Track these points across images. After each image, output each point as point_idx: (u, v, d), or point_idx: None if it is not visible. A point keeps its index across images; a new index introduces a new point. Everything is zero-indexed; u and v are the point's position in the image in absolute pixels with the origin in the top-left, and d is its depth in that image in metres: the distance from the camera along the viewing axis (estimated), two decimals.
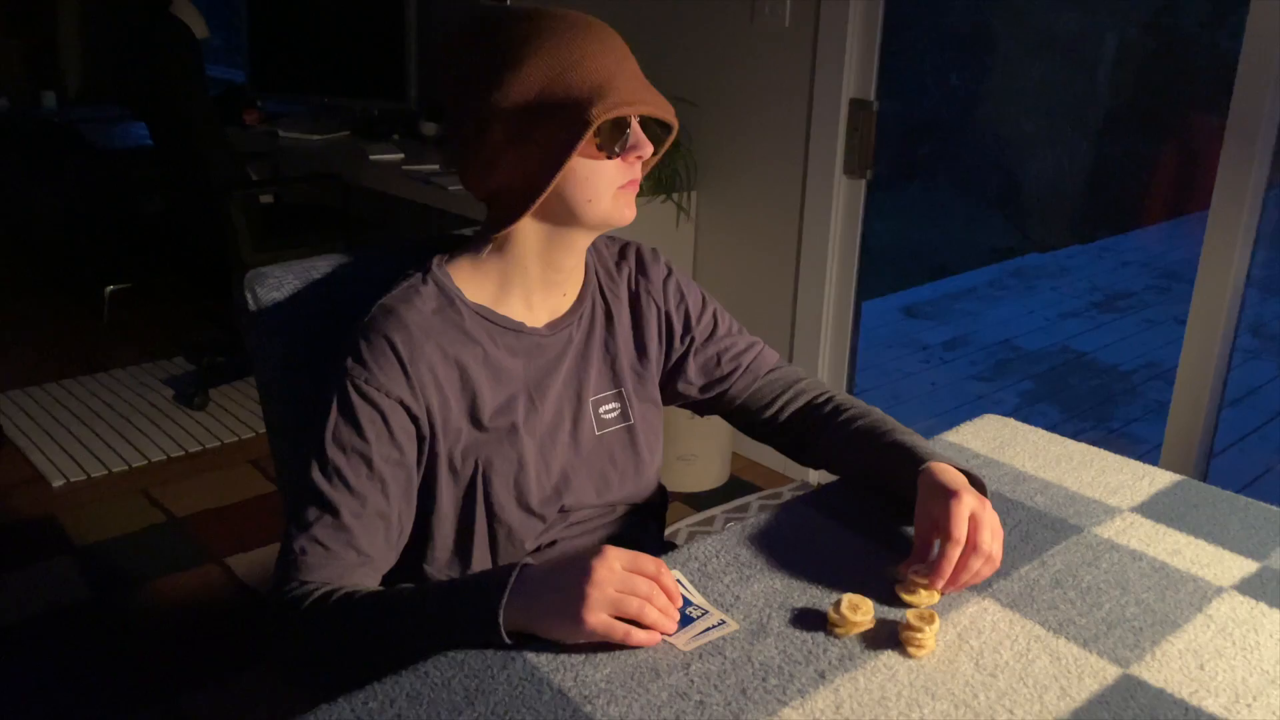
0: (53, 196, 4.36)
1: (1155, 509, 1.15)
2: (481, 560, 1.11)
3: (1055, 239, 6.47)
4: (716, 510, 2.64)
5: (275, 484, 2.47)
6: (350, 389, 1.01)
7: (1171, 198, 6.67)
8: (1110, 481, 1.21)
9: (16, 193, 4.46)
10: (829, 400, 1.23)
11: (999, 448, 1.29)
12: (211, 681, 1.98)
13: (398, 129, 3.41)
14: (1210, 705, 0.83)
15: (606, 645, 0.87)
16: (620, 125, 1.01)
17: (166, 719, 1.90)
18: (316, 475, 1.00)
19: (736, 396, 1.24)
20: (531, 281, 1.10)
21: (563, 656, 0.87)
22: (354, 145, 3.29)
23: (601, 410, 1.16)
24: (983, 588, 0.99)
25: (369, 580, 1.02)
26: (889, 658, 0.88)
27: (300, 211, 3.43)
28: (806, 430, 1.23)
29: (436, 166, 2.93)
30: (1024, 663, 0.88)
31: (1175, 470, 1.26)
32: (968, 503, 0.96)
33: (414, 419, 1.03)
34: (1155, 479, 1.22)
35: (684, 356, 1.22)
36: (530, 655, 0.87)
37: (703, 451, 2.69)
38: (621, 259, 1.21)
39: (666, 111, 1.05)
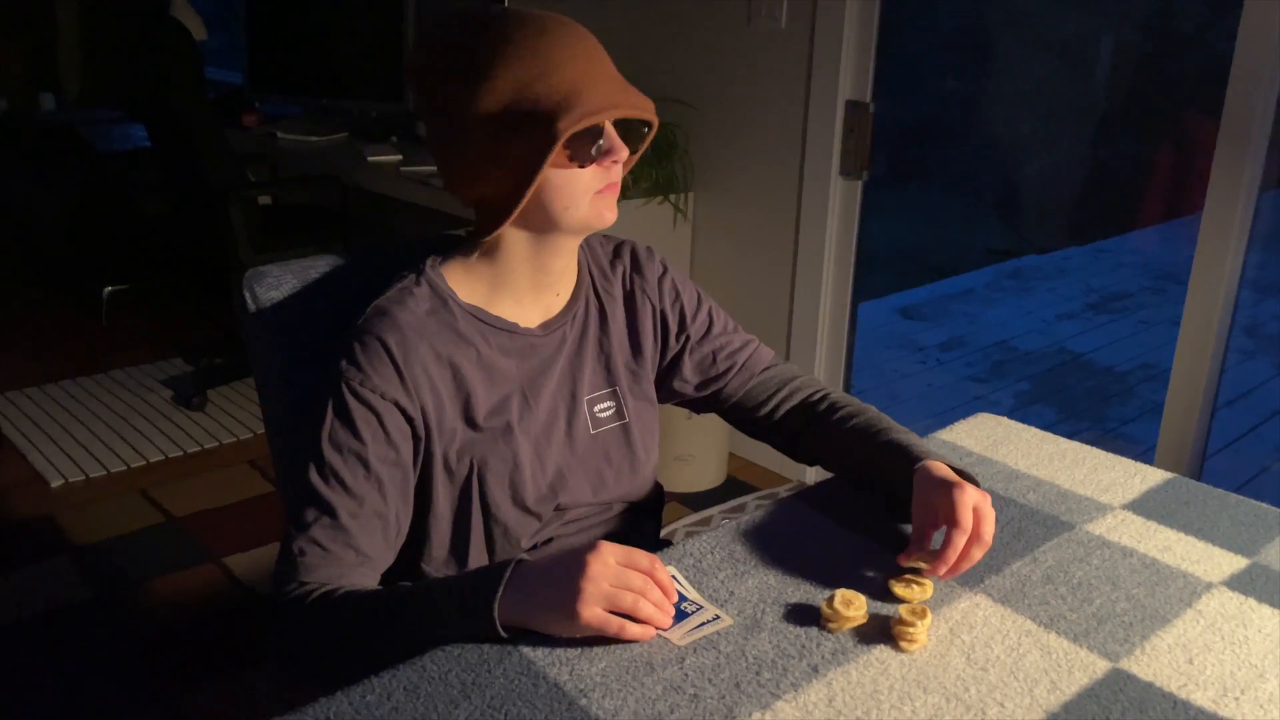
0: (51, 198, 4.37)
1: (1146, 506, 1.16)
2: (478, 559, 1.12)
3: (1052, 240, 6.48)
4: (713, 510, 2.65)
5: (274, 484, 2.47)
6: (345, 391, 1.02)
7: (1168, 199, 6.69)
8: (1102, 479, 1.22)
9: (15, 194, 4.47)
10: (824, 398, 1.24)
11: (992, 446, 1.30)
12: (211, 681, 1.99)
13: (396, 131, 3.42)
14: (1198, 698, 0.84)
15: (602, 639, 0.88)
16: (593, 132, 1.01)
17: (166, 719, 1.90)
18: (314, 477, 1.01)
19: (732, 394, 1.25)
20: (522, 283, 1.11)
21: (558, 651, 0.88)
22: (352, 147, 3.30)
23: (596, 409, 1.17)
24: (975, 583, 1.00)
25: (368, 580, 1.02)
26: (881, 652, 0.89)
27: (298, 213, 3.44)
28: (802, 428, 1.23)
29: (434, 168, 2.93)
30: (1015, 657, 0.89)
31: (1170, 470, 1.27)
32: (971, 493, 0.98)
33: (409, 420, 1.04)
34: (1146, 476, 1.23)
35: (679, 354, 1.22)
36: (526, 649, 0.88)
37: (700, 452, 2.70)
38: (616, 258, 1.21)
39: (642, 110, 1.04)
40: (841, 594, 0.94)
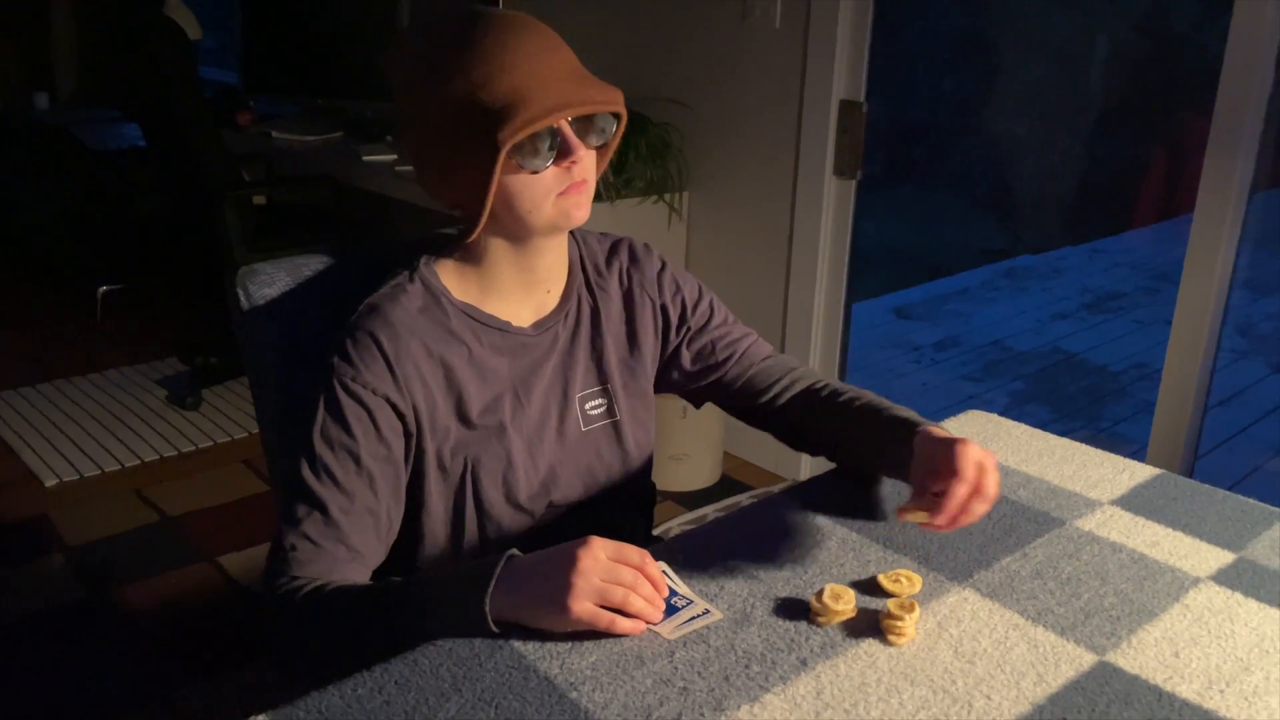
0: (46, 198, 4.36)
1: (1135, 502, 1.17)
2: (472, 556, 1.12)
3: (1047, 240, 6.50)
4: (708, 509, 2.66)
5: (268, 483, 2.48)
6: (337, 387, 1.02)
7: (1163, 199, 6.70)
8: (1091, 475, 1.23)
9: (9, 194, 4.47)
10: (826, 385, 1.23)
11: (983, 443, 1.30)
12: (205, 680, 1.99)
13: (391, 130, 3.42)
14: (1184, 691, 0.85)
15: (593, 633, 0.89)
16: (541, 138, 0.99)
17: (160, 718, 1.91)
18: (306, 472, 1.01)
19: (732, 382, 1.23)
20: (509, 284, 1.11)
21: (549, 644, 0.88)
22: (347, 146, 3.30)
23: (587, 406, 1.17)
24: (963, 578, 1.00)
25: (359, 575, 1.03)
26: (870, 646, 0.90)
27: (293, 212, 3.44)
28: (806, 413, 1.21)
29: None
30: (1002, 650, 0.89)
31: (1161, 469, 1.28)
32: (974, 449, 0.96)
33: (400, 416, 1.05)
34: (1135, 473, 1.24)
35: (680, 346, 1.22)
36: (517, 643, 0.88)
37: (694, 451, 2.71)
38: (613, 255, 1.21)
39: (598, 105, 1.00)
40: (830, 588, 0.94)
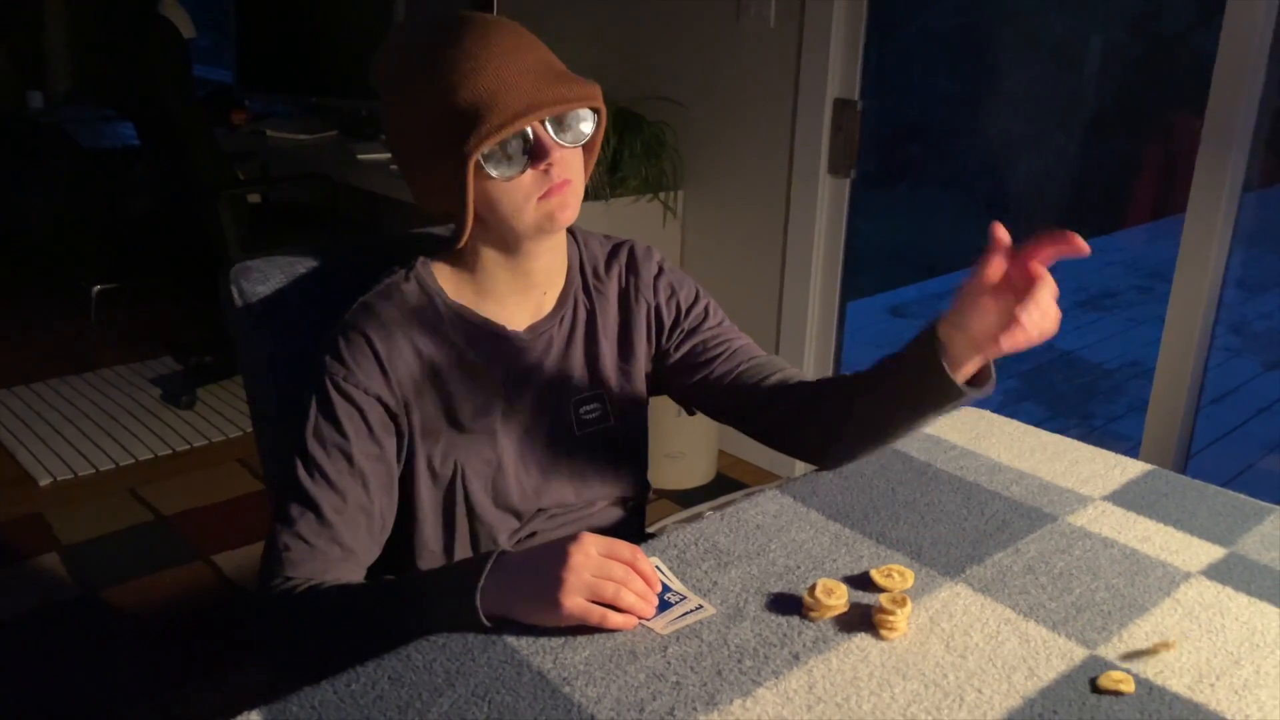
0: (40, 197, 4.36)
1: (1126, 497, 1.17)
2: (463, 557, 1.12)
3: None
4: (703, 507, 2.66)
5: (262, 481, 2.48)
6: (329, 386, 1.02)
7: (1157, 198, 6.71)
8: (1083, 471, 1.23)
9: (4, 193, 4.46)
10: (819, 378, 1.21)
11: (975, 439, 1.31)
12: (200, 679, 1.99)
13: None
14: (1174, 685, 0.85)
15: (585, 629, 0.89)
16: (512, 143, 0.98)
17: (155, 717, 1.90)
18: (299, 472, 1.01)
19: (720, 380, 1.19)
20: (503, 287, 1.11)
21: (542, 640, 0.88)
22: (342, 145, 3.30)
23: (582, 411, 1.17)
24: (955, 573, 1.01)
25: (353, 574, 1.03)
26: (862, 640, 0.90)
27: (288, 211, 3.44)
28: (802, 404, 1.15)
29: None
30: (993, 645, 0.90)
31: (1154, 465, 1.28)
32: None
33: (392, 415, 1.05)
34: (1127, 469, 1.24)
35: (671, 347, 1.21)
36: (510, 638, 0.88)
37: (689, 449, 2.71)
38: (613, 258, 1.20)
39: (569, 103, 0.98)
40: (823, 583, 0.94)
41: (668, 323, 1.21)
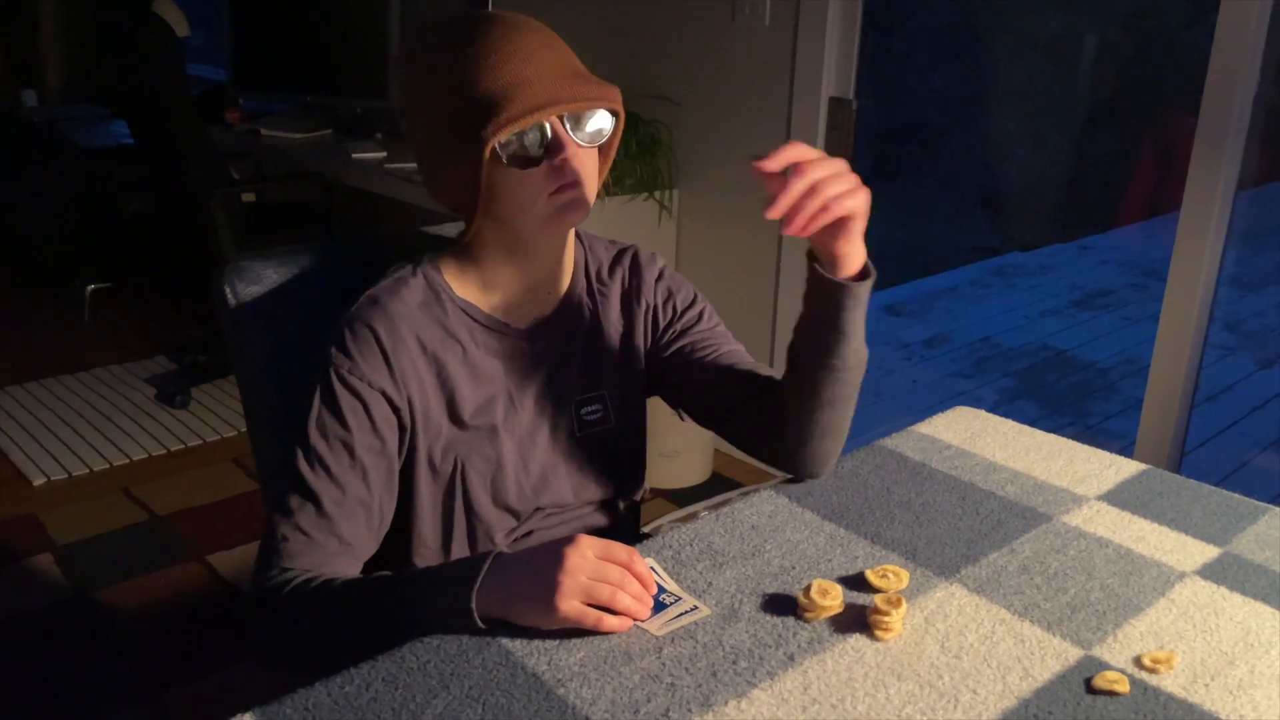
0: (33, 196, 4.34)
1: (1121, 497, 1.17)
2: (460, 554, 1.12)
3: (1036, 238, 6.52)
4: (699, 506, 2.66)
5: (257, 481, 2.47)
6: (334, 378, 1.02)
7: (1151, 197, 6.73)
8: (1078, 471, 1.23)
9: None
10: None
11: (970, 439, 1.31)
12: (194, 680, 1.99)
13: (380, 127, 3.41)
14: (1168, 685, 0.85)
15: (580, 630, 0.89)
16: (529, 134, 0.98)
17: (149, 718, 1.90)
18: (300, 463, 1.01)
19: (706, 382, 1.18)
20: (509, 284, 1.11)
21: (537, 641, 0.88)
22: (336, 144, 3.29)
23: (584, 411, 1.17)
24: (951, 573, 1.01)
25: (350, 568, 1.03)
26: (857, 641, 0.90)
27: (282, 210, 3.43)
28: (770, 410, 1.14)
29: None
30: (988, 645, 0.90)
31: (1148, 465, 1.28)
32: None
33: (395, 410, 1.05)
34: (1121, 468, 1.24)
35: (663, 348, 1.21)
36: (505, 640, 0.88)
37: (685, 448, 2.71)
38: (616, 262, 1.20)
39: (590, 101, 1.00)
40: (818, 584, 0.94)
41: (662, 322, 1.21)
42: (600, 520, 1.22)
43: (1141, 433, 2.17)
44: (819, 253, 1.03)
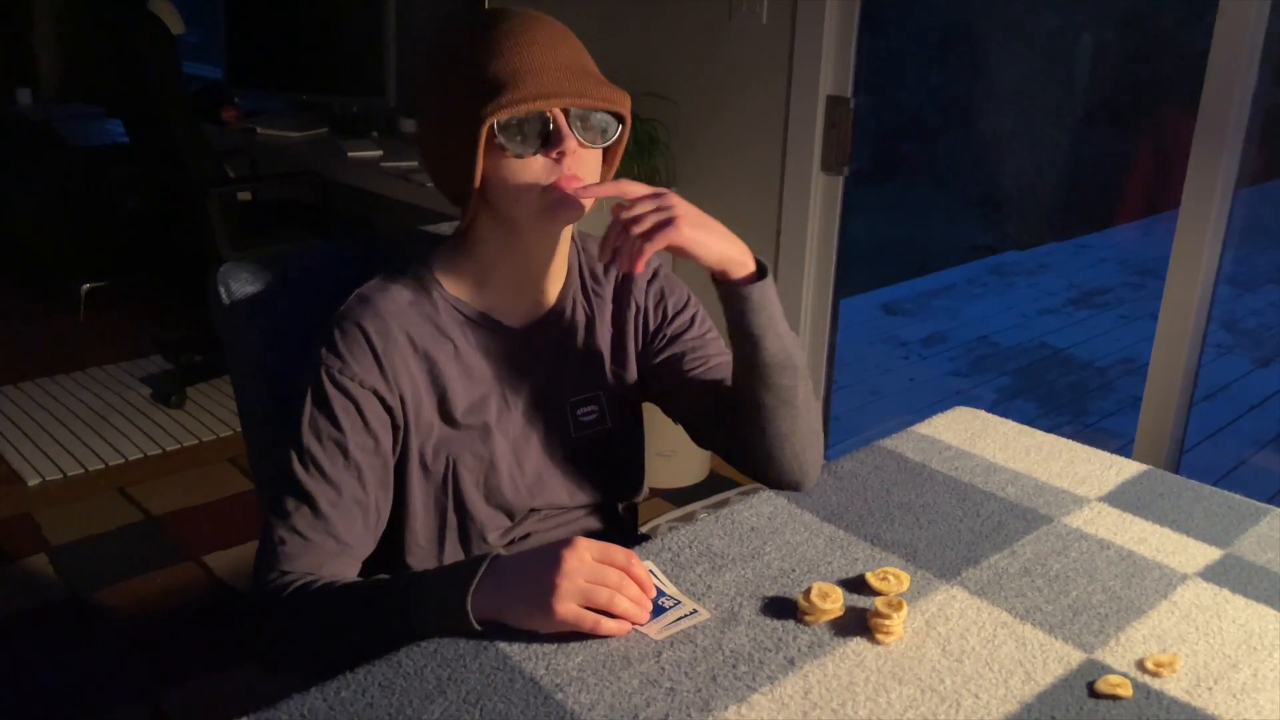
0: (28, 195, 4.32)
1: (1122, 498, 1.16)
2: (454, 555, 1.12)
3: (1033, 236, 6.52)
4: (696, 505, 2.65)
5: (253, 480, 2.46)
6: (325, 379, 1.02)
7: (1148, 195, 6.73)
8: (1079, 472, 1.23)
9: None
10: None
11: (970, 439, 1.30)
12: (190, 681, 1.98)
13: (376, 126, 3.40)
14: (1171, 689, 0.85)
15: (578, 634, 0.88)
16: (530, 123, 0.98)
17: (145, 718, 1.89)
18: (294, 465, 1.01)
19: (692, 393, 1.17)
20: (503, 280, 1.10)
21: (535, 645, 0.87)
22: (332, 142, 3.28)
23: (579, 412, 1.16)
24: (951, 576, 1.00)
25: (348, 568, 1.02)
26: (858, 644, 0.89)
27: (278, 209, 3.42)
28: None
29: (415, 163, 2.93)
30: (990, 648, 0.89)
31: (1148, 463, 1.27)
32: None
33: (388, 409, 1.04)
34: (1122, 469, 1.24)
35: (652, 353, 1.20)
36: (502, 644, 0.87)
37: (683, 447, 2.70)
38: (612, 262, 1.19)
39: (594, 100, 1.00)
40: (818, 587, 0.94)
41: (652, 326, 1.19)
42: (597, 523, 1.21)
43: (1140, 432, 2.17)
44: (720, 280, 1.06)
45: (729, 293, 1.04)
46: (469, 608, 0.87)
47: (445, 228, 1.27)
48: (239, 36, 3.58)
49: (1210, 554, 1.05)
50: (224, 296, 1.15)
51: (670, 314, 1.20)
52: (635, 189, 1.00)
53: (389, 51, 3.36)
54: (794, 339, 1.09)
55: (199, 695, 1.94)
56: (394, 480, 1.07)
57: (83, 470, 2.77)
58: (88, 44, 4.90)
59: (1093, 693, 0.84)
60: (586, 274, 1.18)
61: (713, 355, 1.19)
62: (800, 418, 1.10)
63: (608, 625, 0.87)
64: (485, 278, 1.09)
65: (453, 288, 1.09)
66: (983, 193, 7.16)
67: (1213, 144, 1.92)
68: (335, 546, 1.01)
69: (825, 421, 2.90)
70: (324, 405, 1.01)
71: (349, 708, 0.80)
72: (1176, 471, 2.17)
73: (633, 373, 1.19)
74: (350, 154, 3.07)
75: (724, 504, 2.66)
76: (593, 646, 0.87)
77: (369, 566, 1.06)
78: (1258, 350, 4.49)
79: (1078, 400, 4.08)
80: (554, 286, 1.14)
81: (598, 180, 1.07)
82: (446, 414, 1.07)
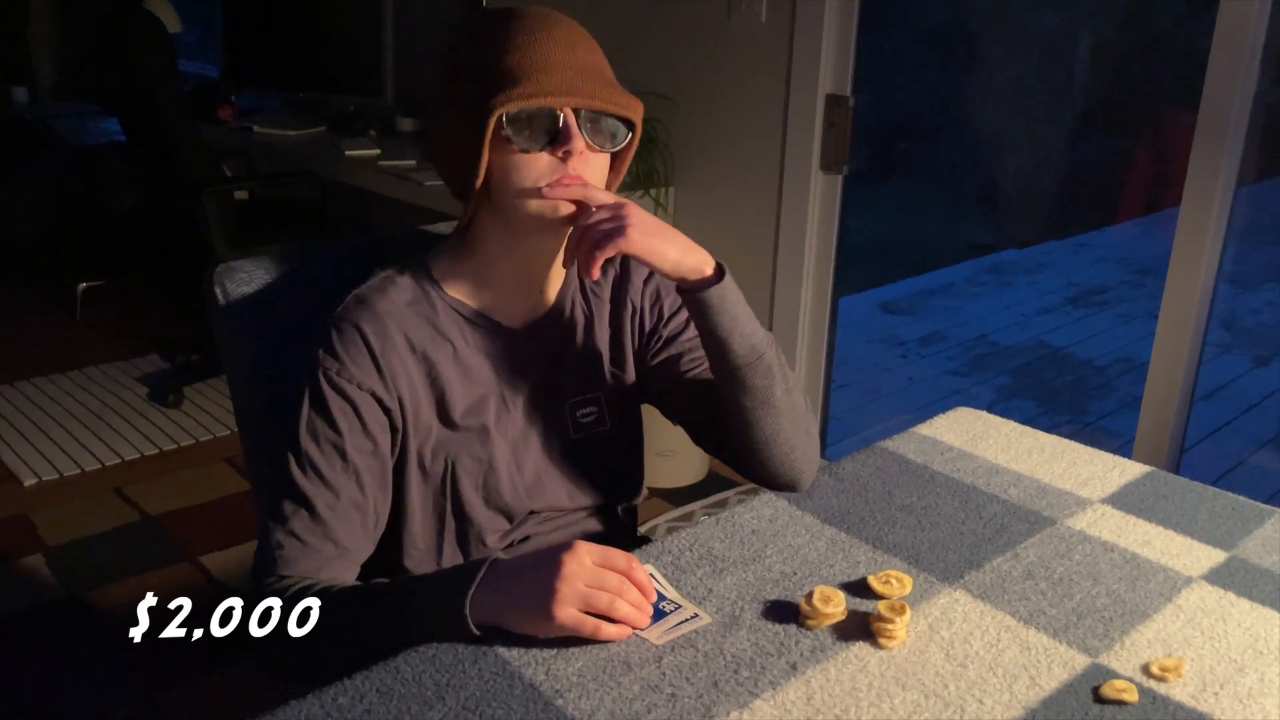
0: (25, 193, 4.32)
1: (1126, 500, 1.16)
2: (452, 557, 1.11)
3: (1032, 235, 6.51)
4: (695, 505, 2.64)
5: (250, 481, 2.45)
6: (322, 381, 1.01)
7: (1146, 194, 6.72)
8: (1081, 473, 1.22)
9: None
10: None
11: (972, 440, 1.30)
12: (186, 682, 1.97)
13: (374, 125, 3.39)
14: (1177, 694, 0.84)
15: (578, 639, 0.87)
16: (540, 119, 0.98)
17: (142, 719, 1.88)
18: (292, 468, 1.00)
19: (688, 396, 1.17)
20: (502, 279, 1.09)
21: (534, 650, 0.86)
22: (330, 141, 3.27)
23: (579, 414, 1.15)
24: (954, 579, 0.99)
25: (346, 572, 1.01)
26: (860, 649, 0.88)
27: (275, 208, 3.41)
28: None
29: (413, 162, 2.92)
30: (994, 653, 0.88)
31: (1148, 463, 1.27)
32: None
33: (386, 410, 1.03)
34: (1125, 470, 1.23)
35: (647, 355, 1.19)
36: (502, 649, 0.87)
37: (681, 447, 2.70)
38: (609, 263, 1.17)
39: (607, 104, 1.00)
40: (820, 591, 0.93)
41: (647, 328, 1.19)
42: (597, 525, 1.20)
43: (1140, 431, 2.16)
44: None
45: (688, 299, 1.04)
46: (467, 612, 0.86)
47: (443, 227, 1.26)
48: (236, 35, 3.57)
49: (1215, 556, 1.04)
50: (220, 297, 1.14)
51: (666, 315, 1.19)
52: (599, 197, 1.00)
53: (386, 50, 3.35)
54: (766, 339, 1.07)
55: (196, 697, 1.93)
56: (394, 483, 1.07)
57: (79, 470, 2.76)
58: (84, 42, 4.88)
59: (1098, 698, 0.83)
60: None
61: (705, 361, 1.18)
62: (783, 418, 1.09)
63: (608, 630, 0.86)
64: (485, 277, 1.08)
65: (451, 288, 1.08)
66: (981, 191, 7.15)
67: (1214, 142, 1.92)
68: (334, 550, 1.00)
69: (824, 420, 2.89)
70: (321, 407, 1.00)
71: (346, 714, 0.79)
72: (1177, 471, 2.16)
73: (631, 373, 1.18)
74: (348, 153, 3.06)
75: (723, 504, 2.66)
76: (593, 652, 0.86)
77: (366, 570, 1.05)
78: (1256, 349, 4.48)
79: (1077, 399, 4.07)
80: (553, 287, 1.13)
81: (599, 183, 1.06)
82: (445, 416, 1.06)
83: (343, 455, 1.00)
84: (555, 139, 0.99)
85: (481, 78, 0.97)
